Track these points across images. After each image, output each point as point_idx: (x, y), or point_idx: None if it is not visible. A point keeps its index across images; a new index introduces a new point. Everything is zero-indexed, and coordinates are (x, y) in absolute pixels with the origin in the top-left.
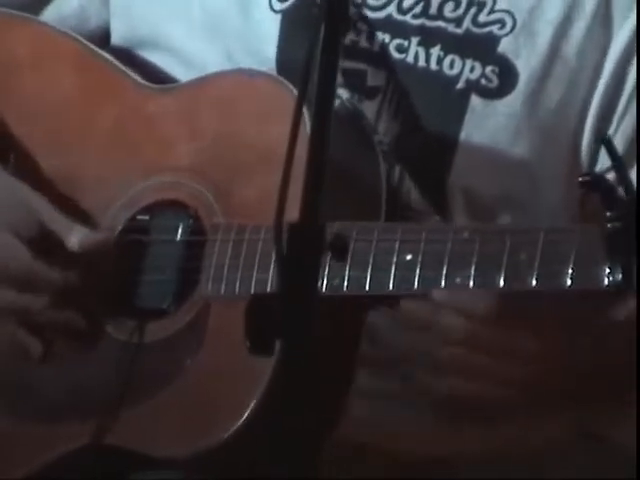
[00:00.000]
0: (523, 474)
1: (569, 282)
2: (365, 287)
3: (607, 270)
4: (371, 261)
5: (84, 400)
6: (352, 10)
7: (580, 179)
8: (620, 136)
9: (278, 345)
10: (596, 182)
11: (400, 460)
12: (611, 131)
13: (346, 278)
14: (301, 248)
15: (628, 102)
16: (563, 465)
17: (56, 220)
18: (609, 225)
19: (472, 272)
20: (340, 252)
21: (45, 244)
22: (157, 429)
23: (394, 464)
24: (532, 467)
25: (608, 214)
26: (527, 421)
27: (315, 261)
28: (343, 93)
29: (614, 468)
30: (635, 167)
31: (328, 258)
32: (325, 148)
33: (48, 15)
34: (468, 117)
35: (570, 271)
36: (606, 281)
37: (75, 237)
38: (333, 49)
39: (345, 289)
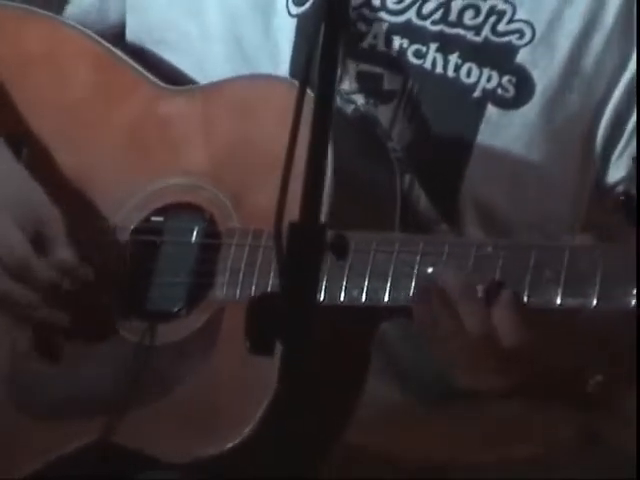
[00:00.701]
0: (523, 475)
1: (595, 302)
2: (384, 299)
3: (634, 291)
4: (391, 273)
5: (93, 399)
6: (371, 14)
7: (621, 198)
8: (631, 149)
9: (279, 348)
10: (629, 202)
11: (403, 465)
12: (622, 143)
13: (365, 289)
14: (302, 249)
15: None
16: (565, 466)
17: (52, 226)
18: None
19: None
20: (341, 252)
21: (46, 242)
22: (162, 432)
23: (394, 468)
24: (534, 468)
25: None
26: (530, 422)
27: (315, 261)
28: (358, 98)
29: (615, 468)
30: None
31: (347, 267)
32: (325, 148)
33: (70, 10)
34: (483, 126)
35: (596, 291)
36: (633, 302)
37: (60, 252)
38: (333, 49)
39: (364, 300)
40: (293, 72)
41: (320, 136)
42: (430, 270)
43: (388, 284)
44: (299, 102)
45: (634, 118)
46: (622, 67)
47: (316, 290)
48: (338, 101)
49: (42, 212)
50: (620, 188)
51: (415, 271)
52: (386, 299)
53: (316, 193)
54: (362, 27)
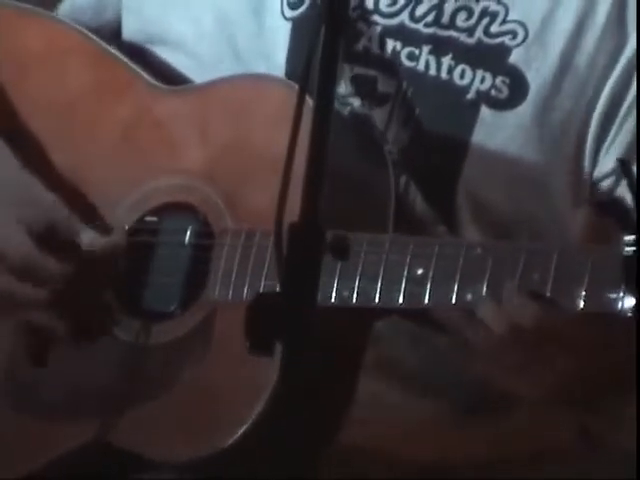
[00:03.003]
0: (523, 475)
1: (582, 304)
2: (375, 300)
3: (621, 294)
4: (381, 274)
5: (87, 400)
6: (365, 17)
7: (597, 201)
8: (620, 141)
9: (278, 347)
10: (613, 205)
11: (401, 464)
12: (610, 137)
13: (356, 290)
14: (301, 250)
15: (629, 108)
16: (563, 465)
17: (68, 220)
18: (625, 248)
19: (484, 289)
20: (341, 253)
21: (53, 241)
22: (158, 432)
23: (395, 468)
24: (532, 468)
25: (625, 238)
26: (528, 422)
27: (315, 262)
28: (354, 100)
29: (614, 469)
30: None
31: (338, 268)
32: (325, 150)
33: (63, 7)
34: (478, 128)
35: (583, 293)
36: (619, 305)
37: (86, 238)
38: (333, 52)
39: (354, 301)
40: (289, 74)
41: (320, 138)
42: (420, 272)
43: (379, 285)
44: (299, 103)
45: (621, 113)
46: (612, 64)
47: (316, 290)
48: (335, 104)
49: (52, 213)
50: (605, 184)
51: (405, 272)
52: (377, 300)
53: (316, 194)
54: (356, 30)
